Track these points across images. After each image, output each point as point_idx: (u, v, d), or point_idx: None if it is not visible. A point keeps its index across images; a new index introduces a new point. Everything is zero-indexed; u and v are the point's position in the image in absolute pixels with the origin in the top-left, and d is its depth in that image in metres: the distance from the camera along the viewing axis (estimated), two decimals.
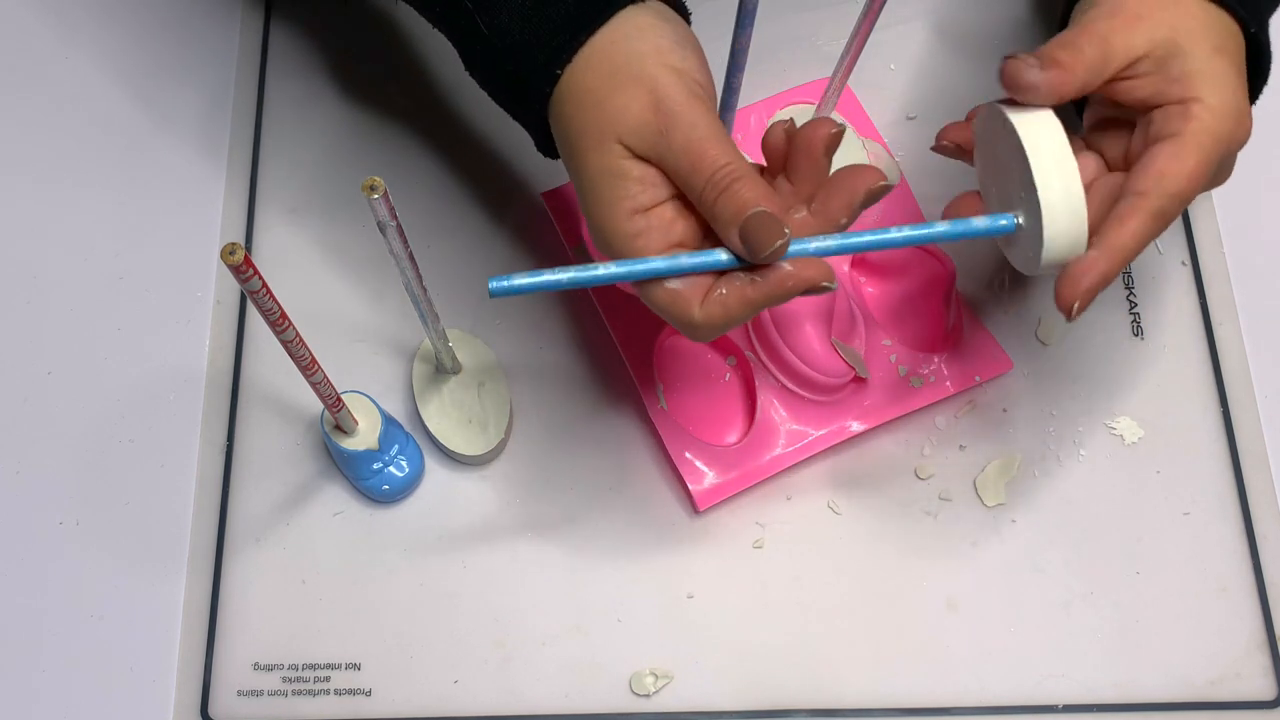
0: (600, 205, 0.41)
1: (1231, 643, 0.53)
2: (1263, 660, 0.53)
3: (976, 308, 0.58)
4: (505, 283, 0.39)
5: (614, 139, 0.41)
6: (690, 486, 0.53)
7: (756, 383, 0.54)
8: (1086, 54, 0.44)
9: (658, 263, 0.40)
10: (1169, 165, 0.42)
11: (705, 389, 0.56)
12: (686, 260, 0.40)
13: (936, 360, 0.55)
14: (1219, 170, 0.45)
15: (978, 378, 0.55)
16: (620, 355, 0.55)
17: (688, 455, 0.53)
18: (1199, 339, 0.58)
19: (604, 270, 0.40)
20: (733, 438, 0.55)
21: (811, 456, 0.54)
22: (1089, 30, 0.44)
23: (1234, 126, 0.44)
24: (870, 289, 0.58)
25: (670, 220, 0.41)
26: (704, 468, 0.53)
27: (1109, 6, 0.45)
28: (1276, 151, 0.63)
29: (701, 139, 0.40)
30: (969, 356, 0.55)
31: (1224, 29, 0.46)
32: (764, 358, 0.55)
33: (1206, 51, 0.44)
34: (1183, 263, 0.60)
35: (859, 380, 0.54)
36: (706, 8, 0.64)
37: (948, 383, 0.55)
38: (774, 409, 0.54)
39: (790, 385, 0.54)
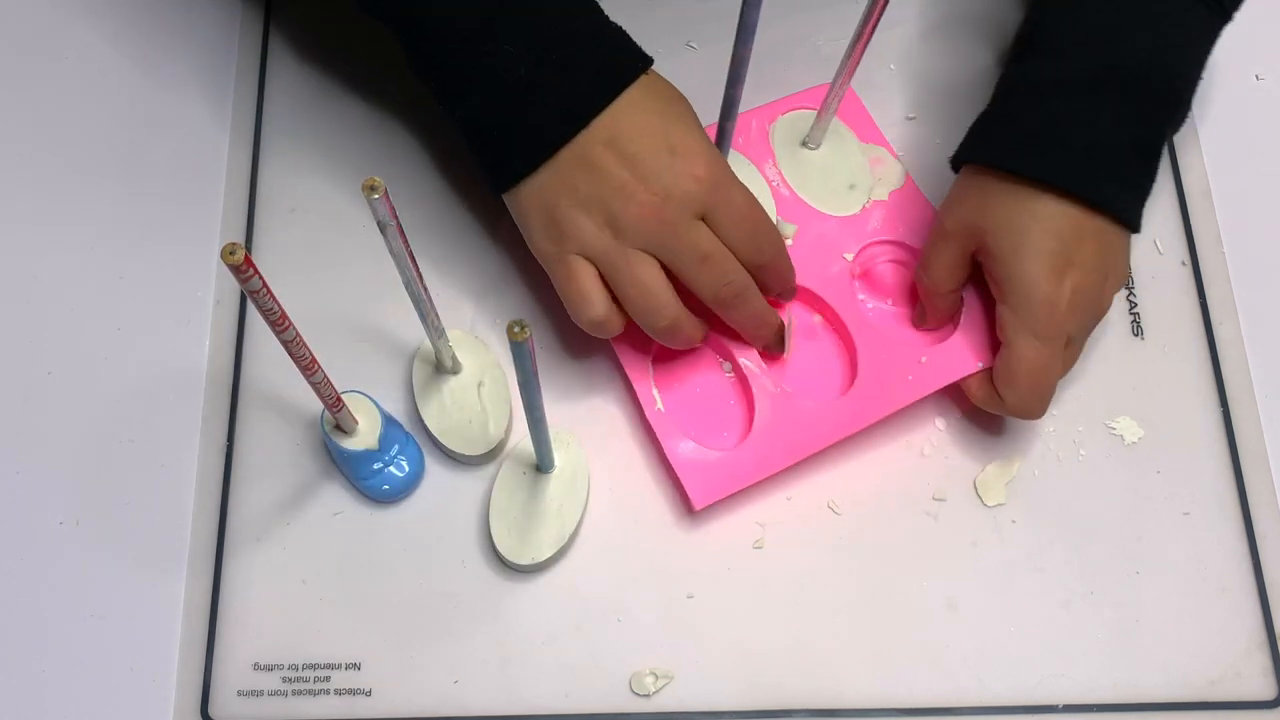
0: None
1: (1231, 643, 0.53)
2: (1263, 660, 0.53)
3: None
4: None
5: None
6: (686, 488, 0.53)
7: (753, 383, 0.54)
8: (936, 281, 0.54)
9: None
10: (1009, 369, 0.52)
11: (703, 390, 0.56)
12: None
13: (932, 353, 0.55)
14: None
15: (980, 364, 0.54)
16: (617, 356, 0.55)
17: (684, 456, 0.53)
18: (1199, 339, 0.58)
19: None
20: (730, 439, 0.55)
21: (811, 456, 0.54)
22: (931, 259, 0.54)
23: (1040, 317, 0.50)
24: (865, 295, 0.58)
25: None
26: (701, 469, 0.53)
27: (943, 222, 0.54)
28: (1277, 152, 0.63)
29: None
30: (961, 350, 0.55)
31: (1030, 216, 0.50)
32: (757, 363, 0.55)
33: (1006, 254, 0.51)
34: (1183, 263, 0.60)
35: (853, 382, 0.54)
36: (706, 15, 0.64)
37: (943, 374, 0.54)
38: (771, 409, 0.54)
39: (786, 387, 0.54)
